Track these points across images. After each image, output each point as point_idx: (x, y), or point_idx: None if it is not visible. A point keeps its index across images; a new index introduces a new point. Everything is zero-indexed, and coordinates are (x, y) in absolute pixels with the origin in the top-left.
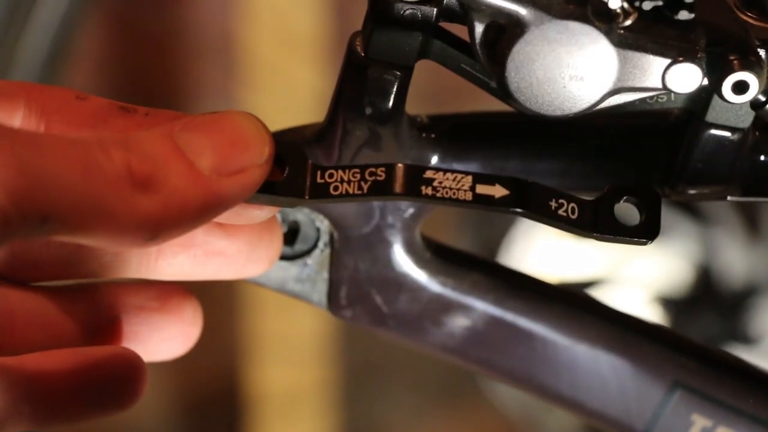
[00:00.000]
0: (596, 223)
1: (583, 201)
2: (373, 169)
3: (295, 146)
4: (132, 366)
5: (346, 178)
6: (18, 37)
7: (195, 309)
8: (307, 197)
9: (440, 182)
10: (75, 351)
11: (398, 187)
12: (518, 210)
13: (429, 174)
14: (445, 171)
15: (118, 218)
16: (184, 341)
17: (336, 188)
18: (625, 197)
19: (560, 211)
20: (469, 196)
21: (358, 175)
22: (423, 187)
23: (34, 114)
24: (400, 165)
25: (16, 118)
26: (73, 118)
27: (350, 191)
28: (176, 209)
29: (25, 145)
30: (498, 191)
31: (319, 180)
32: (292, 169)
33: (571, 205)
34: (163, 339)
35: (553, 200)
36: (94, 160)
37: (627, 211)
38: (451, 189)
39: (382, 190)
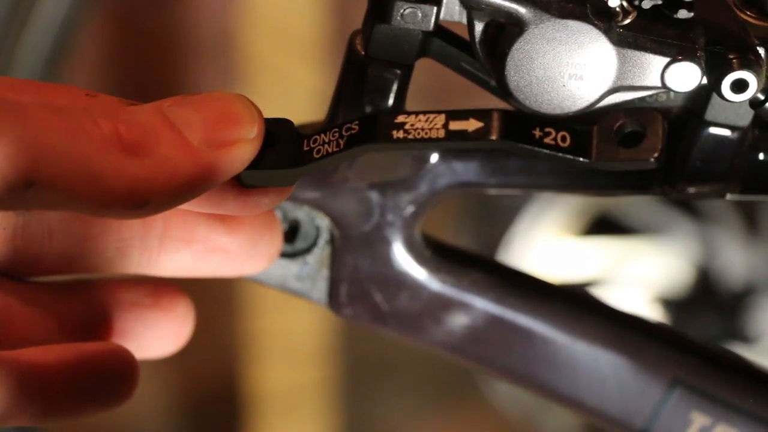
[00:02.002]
0: (595, 150)
1: (577, 129)
2: (349, 125)
3: (284, 121)
4: (124, 362)
5: (327, 140)
6: (18, 37)
7: (187, 306)
8: (292, 165)
9: (412, 125)
10: (69, 346)
11: (371, 136)
12: (494, 140)
13: (401, 119)
14: (417, 113)
15: (107, 180)
16: (176, 339)
17: (318, 151)
18: (622, 120)
19: (546, 140)
20: (441, 133)
21: (337, 134)
22: (394, 132)
23: None
24: (371, 115)
25: None
26: None
27: (330, 150)
28: (166, 176)
29: (4, 112)
30: (472, 125)
31: (305, 148)
32: (281, 143)
33: (561, 133)
34: (155, 336)
35: (537, 129)
36: (80, 125)
37: (626, 138)
38: (423, 129)
39: (356, 141)
